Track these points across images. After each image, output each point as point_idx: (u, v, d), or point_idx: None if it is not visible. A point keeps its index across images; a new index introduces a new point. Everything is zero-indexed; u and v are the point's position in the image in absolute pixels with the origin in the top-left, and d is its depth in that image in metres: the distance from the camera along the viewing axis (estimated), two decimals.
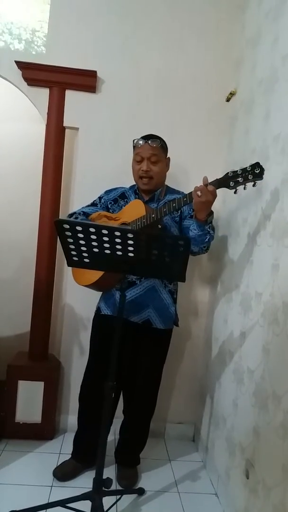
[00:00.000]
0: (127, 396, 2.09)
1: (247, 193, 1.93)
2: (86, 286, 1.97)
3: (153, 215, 1.80)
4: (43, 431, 2.33)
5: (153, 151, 1.94)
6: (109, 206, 2.10)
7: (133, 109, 2.40)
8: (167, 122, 2.42)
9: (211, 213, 1.78)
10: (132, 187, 2.13)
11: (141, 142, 1.95)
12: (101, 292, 2.08)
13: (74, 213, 2.10)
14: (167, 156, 2.05)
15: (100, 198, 2.15)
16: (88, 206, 2.15)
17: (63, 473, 2.01)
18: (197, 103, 2.43)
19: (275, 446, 1.42)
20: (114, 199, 2.10)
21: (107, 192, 2.15)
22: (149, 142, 1.93)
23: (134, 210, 1.90)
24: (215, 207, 2.38)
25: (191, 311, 2.51)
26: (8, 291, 2.85)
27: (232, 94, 2.32)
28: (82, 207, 2.15)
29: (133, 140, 2.00)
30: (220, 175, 1.70)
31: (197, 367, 2.53)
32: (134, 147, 2.01)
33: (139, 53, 2.40)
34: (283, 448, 1.36)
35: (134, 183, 2.09)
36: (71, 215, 2.08)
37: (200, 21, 2.41)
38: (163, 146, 2.00)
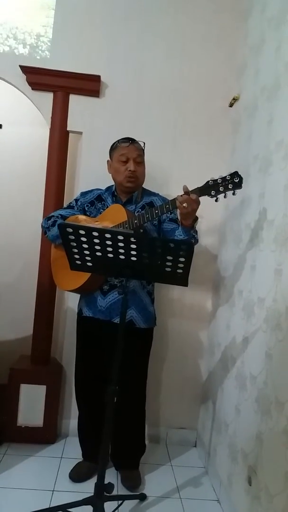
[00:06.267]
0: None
1: (250, 198, 1.93)
2: (70, 291, 1.99)
3: (135, 221, 1.81)
4: (45, 435, 2.33)
5: (138, 152, 1.97)
6: (86, 209, 2.08)
7: (137, 114, 2.42)
8: (170, 127, 2.43)
9: (196, 218, 1.79)
10: (108, 188, 2.12)
11: (126, 143, 1.96)
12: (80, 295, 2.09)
13: (52, 216, 2.06)
14: None
15: (76, 200, 2.13)
16: (65, 208, 2.13)
17: (78, 475, 2.05)
18: (200, 108, 2.44)
19: (278, 453, 1.42)
20: (91, 202, 2.09)
21: (83, 194, 2.14)
22: (135, 143, 1.96)
23: (115, 215, 1.90)
24: (218, 212, 2.40)
25: (193, 316, 2.50)
26: (11, 296, 2.86)
27: (235, 99, 2.32)
28: (59, 210, 2.13)
29: (117, 141, 2.00)
30: None
31: (199, 372, 2.53)
32: (114, 148, 2.00)
33: (143, 58, 2.42)
34: (286, 455, 1.35)
35: (109, 185, 2.11)
36: (49, 218, 2.05)
37: (203, 28, 2.43)
38: (143, 150, 2.02)
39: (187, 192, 1.65)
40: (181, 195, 1.66)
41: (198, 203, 1.67)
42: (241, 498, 1.71)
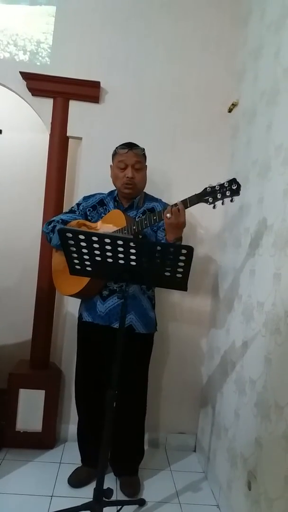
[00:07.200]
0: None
1: (249, 203, 1.94)
2: (70, 295, 1.99)
3: (134, 227, 1.82)
4: (44, 440, 2.32)
5: (137, 158, 1.97)
6: (88, 213, 2.09)
7: (136, 120, 2.43)
8: (169, 133, 2.45)
9: (180, 238, 1.80)
10: (110, 193, 2.13)
11: (125, 149, 1.97)
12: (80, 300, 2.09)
13: (53, 220, 2.06)
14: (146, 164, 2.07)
15: (78, 204, 2.14)
16: (66, 213, 2.14)
17: (77, 480, 2.04)
18: (199, 113, 2.46)
19: (277, 457, 1.41)
20: (93, 206, 2.10)
21: (85, 198, 2.15)
22: (133, 150, 1.96)
23: (114, 220, 1.91)
24: (217, 216, 2.40)
25: (193, 321, 2.50)
26: (10, 300, 2.86)
27: (234, 105, 2.34)
28: (61, 214, 2.14)
29: (116, 148, 2.01)
30: None
31: (199, 376, 2.52)
32: (114, 154, 2.02)
33: (142, 64, 2.44)
34: (286, 459, 1.35)
35: (111, 189, 2.11)
36: (49, 223, 2.05)
37: (202, 33, 2.45)
38: (144, 155, 2.03)
39: (175, 204, 1.69)
40: (171, 206, 1.69)
41: (182, 217, 1.68)
42: (241, 503, 1.70)
